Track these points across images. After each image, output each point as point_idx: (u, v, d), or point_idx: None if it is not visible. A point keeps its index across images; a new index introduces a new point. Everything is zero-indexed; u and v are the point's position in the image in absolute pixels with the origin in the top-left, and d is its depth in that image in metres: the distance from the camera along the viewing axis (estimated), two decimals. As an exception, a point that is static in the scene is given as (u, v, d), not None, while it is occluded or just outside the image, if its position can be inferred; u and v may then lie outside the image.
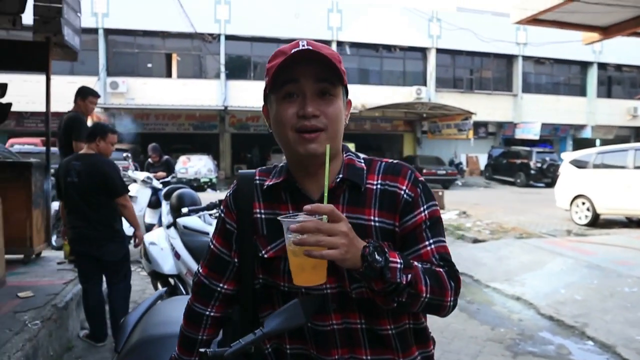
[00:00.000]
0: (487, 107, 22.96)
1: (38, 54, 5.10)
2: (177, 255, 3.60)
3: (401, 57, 23.22)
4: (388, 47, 22.61)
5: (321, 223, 0.89)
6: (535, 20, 7.17)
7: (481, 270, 6.24)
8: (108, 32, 19.70)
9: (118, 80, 19.66)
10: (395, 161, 1.18)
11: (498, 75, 24.86)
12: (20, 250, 4.94)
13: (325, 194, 0.97)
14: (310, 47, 1.03)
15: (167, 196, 4.21)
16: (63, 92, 18.46)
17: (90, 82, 19.17)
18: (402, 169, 1.14)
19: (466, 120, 20.77)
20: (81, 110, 4.94)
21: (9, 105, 5.21)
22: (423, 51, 23.29)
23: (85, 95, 4.94)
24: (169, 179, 7.84)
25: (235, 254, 1.20)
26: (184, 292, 3.56)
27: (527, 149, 21.27)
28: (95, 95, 5.01)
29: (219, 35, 20.33)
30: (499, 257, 6.80)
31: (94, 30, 19.33)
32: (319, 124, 1.04)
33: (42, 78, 19.54)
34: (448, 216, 10.55)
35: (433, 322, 1.24)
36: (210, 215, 3.30)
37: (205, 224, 3.01)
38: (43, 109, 19.60)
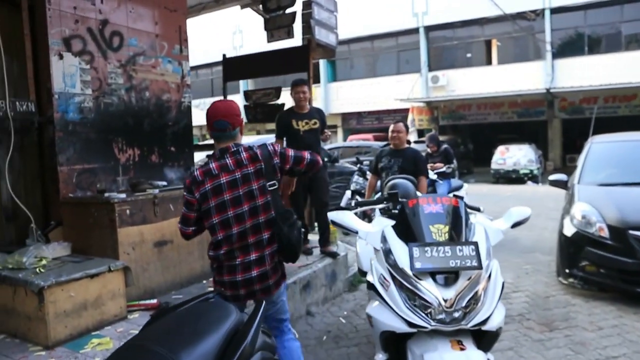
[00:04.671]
0: None
1: (302, 55, 5.64)
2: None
3: None
4: None
5: None
6: None
7: None
8: (428, 29, 20.44)
9: (438, 74, 20.18)
10: None
11: None
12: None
13: None
14: None
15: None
16: (391, 91, 20.50)
17: (412, 79, 20.51)
18: None
19: None
20: None
21: (282, 105, 5.99)
22: None
23: None
24: (444, 169, 7.47)
25: None
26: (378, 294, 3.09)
27: None
28: None
29: (542, 11, 18.10)
30: None
31: (415, 30, 20.45)
32: None
33: (375, 81, 21.99)
34: None
35: None
36: (382, 210, 2.85)
37: (357, 220, 2.61)
38: (376, 108, 22.14)
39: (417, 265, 2.12)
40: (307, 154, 2.62)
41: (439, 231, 2.26)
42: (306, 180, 4.85)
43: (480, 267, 2.12)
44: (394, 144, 4.88)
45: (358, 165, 9.20)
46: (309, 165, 2.60)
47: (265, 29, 6.14)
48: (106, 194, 3.59)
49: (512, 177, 16.62)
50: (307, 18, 5.58)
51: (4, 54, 3.74)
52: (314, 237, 5.38)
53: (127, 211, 3.50)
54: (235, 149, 2.43)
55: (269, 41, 6.14)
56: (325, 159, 10.13)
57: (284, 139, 4.95)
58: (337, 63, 23.77)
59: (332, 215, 2.63)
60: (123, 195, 3.54)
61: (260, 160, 2.43)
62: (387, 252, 2.31)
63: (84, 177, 4.05)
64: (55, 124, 3.87)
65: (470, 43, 20.62)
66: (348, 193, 8.69)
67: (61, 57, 3.89)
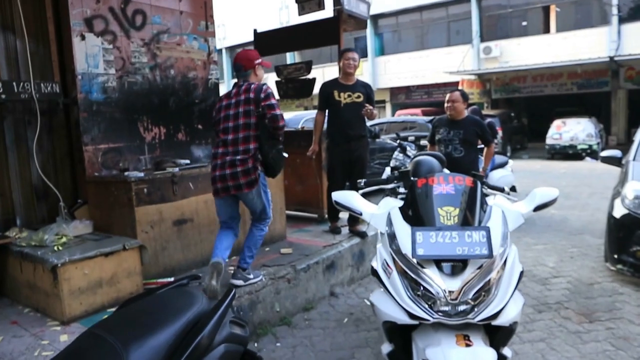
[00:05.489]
0: None
1: (332, 28, 5.40)
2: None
3: None
4: None
5: None
6: None
7: None
8: (480, -4, 19.39)
9: (491, 45, 19.18)
10: None
11: None
12: (315, 211, 5.51)
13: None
14: None
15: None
16: (440, 64, 19.71)
17: (463, 50, 19.61)
18: None
19: None
20: None
21: (314, 80, 5.81)
22: None
23: None
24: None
25: None
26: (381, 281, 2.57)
27: None
28: None
29: (609, -30, 16.65)
30: None
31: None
32: None
33: (424, 54, 21.26)
34: None
35: None
36: (391, 192, 2.64)
37: (362, 201, 2.41)
38: (425, 82, 21.44)
39: (420, 251, 1.94)
40: (279, 111, 3.23)
41: (448, 214, 2.06)
42: (346, 157, 4.63)
43: (490, 255, 1.90)
44: (450, 115, 4.66)
45: (398, 141, 8.92)
46: (272, 117, 3.21)
47: (296, 1, 5.94)
48: (126, 173, 3.61)
49: (568, 153, 15.65)
50: (337, -12, 5.33)
51: (29, 37, 3.77)
52: (344, 216, 5.24)
53: (145, 190, 3.50)
54: (242, 84, 3.36)
55: (300, 14, 5.93)
56: (366, 135, 9.95)
57: (326, 111, 4.71)
58: (384, 36, 23.13)
59: (336, 195, 2.47)
60: (140, 174, 3.54)
61: (253, 91, 3.26)
62: (392, 237, 2.14)
63: (109, 156, 4.11)
64: (79, 104, 3.92)
65: (526, 10, 19.38)
66: (387, 170, 8.46)
67: (83, 37, 3.91)
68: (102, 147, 4.06)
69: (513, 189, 7.80)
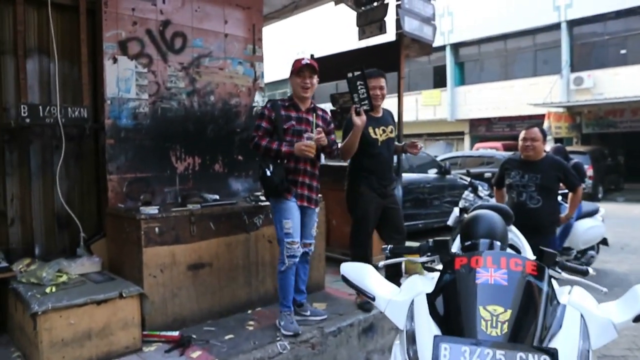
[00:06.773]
0: None
1: (393, 53, 4.88)
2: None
3: None
4: None
5: None
6: None
7: None
8: (572, 23, 17.85)
9: (583, 75, 17.56)
10: None
11: None
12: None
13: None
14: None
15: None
16: (525, 95, 18.36)
17: (550, 81, 18.16)
18: None
19: None
20: None
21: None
22: None
23: None
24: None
25: None
26: None
27: None
28: None
29: None
30: None
31: (556, 26, 18.01)
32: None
33: (507, 84, 19.95)
34: None
35: None
36: (425, 265, 1.98)
37: (377, 279, 1.78)
38: (508, 113, 20.09)
39: (444, 376, 1.31)
40: (252, 134, 3.37)
41: (494, 319, 1.41)
42: (381, 204, 3.73)
43: (555, 397, 1.23)
44: (525, 156, 3.95)
45: (469, 180, 8.08)
46: None
47: (357, 24, 5.51)
48: (141, 208, 3.26)
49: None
50: (398, 9, 4.83)
51: (62, 60, 3.64)
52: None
53: (156, 229, 3.13)
54: None
55: (360, 38, 5.49)
56: (435, 171, 9.15)
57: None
58: (465, 65, 22.13)
59: (345, 268, 1.87)
60: (154, 211, 3.18)
61: None
62: (411, 338, 1.52)
63: (135, 186, 3.81)
64: (106, 130, 3.67)
65: (625, 37, 17.58)
66: (456, 210, 7.62)
67: (115, 61, 3.69)
68: (128, 177, 3.78)
69: (604, 242, 6.58)
